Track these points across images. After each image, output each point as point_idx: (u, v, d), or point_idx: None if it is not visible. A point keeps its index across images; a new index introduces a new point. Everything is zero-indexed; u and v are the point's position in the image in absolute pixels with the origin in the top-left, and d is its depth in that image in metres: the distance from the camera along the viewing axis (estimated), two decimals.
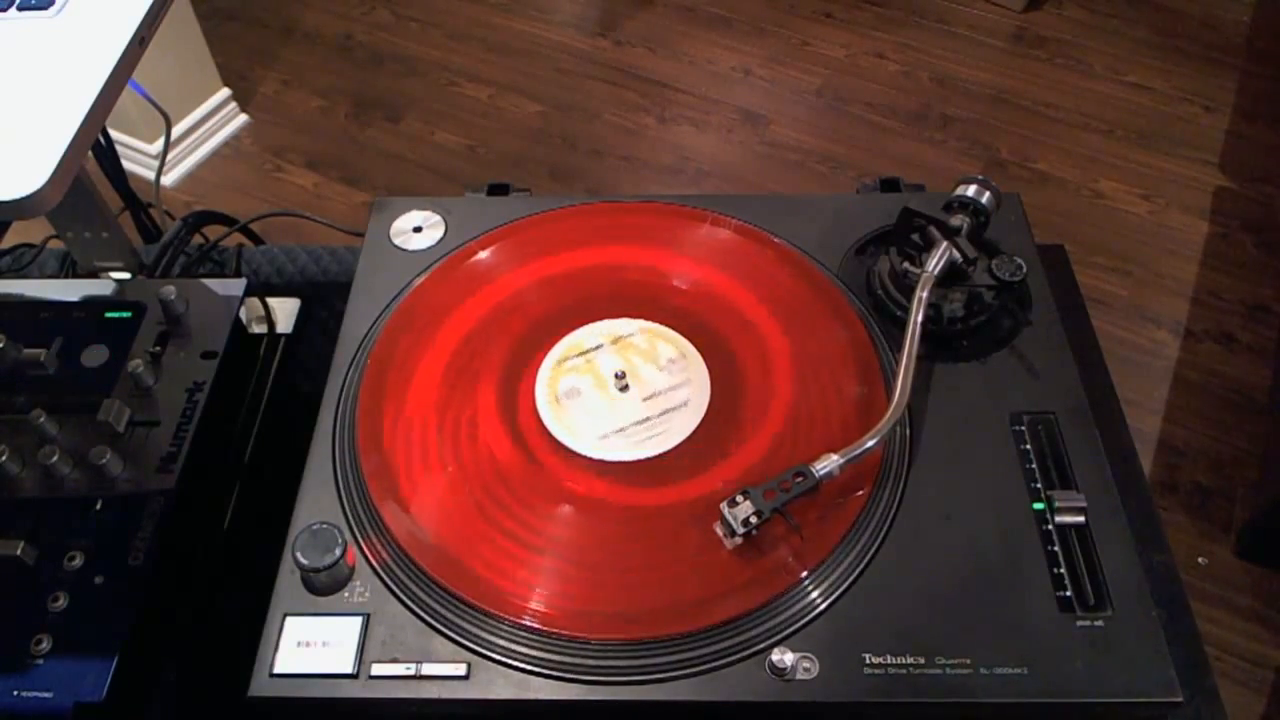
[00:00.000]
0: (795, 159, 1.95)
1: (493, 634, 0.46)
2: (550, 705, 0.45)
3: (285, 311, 0.71)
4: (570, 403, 0.55)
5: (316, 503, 0.51)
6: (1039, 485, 0.51)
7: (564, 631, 0.46)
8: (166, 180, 1.92)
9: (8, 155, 0.47)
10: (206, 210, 0.78)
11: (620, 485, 0.52)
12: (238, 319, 0.62)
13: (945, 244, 0.56)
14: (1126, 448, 0.64)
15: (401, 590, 0.48)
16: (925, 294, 0.54)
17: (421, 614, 0.47)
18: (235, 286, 0.63)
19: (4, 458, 0.53)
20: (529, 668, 0.46)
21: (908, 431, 0.53)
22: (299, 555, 0.46)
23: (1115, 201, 1.87)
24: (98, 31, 0.53)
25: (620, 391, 0.56)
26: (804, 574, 0.48)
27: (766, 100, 2.06)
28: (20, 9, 0.55)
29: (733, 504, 0.48)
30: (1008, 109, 2.04)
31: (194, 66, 1.91)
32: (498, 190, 0.68)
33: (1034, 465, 0.52)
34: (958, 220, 0.58)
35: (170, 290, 0.60)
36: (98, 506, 0.52)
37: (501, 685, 0.45)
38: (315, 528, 0.47)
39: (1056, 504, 0.50)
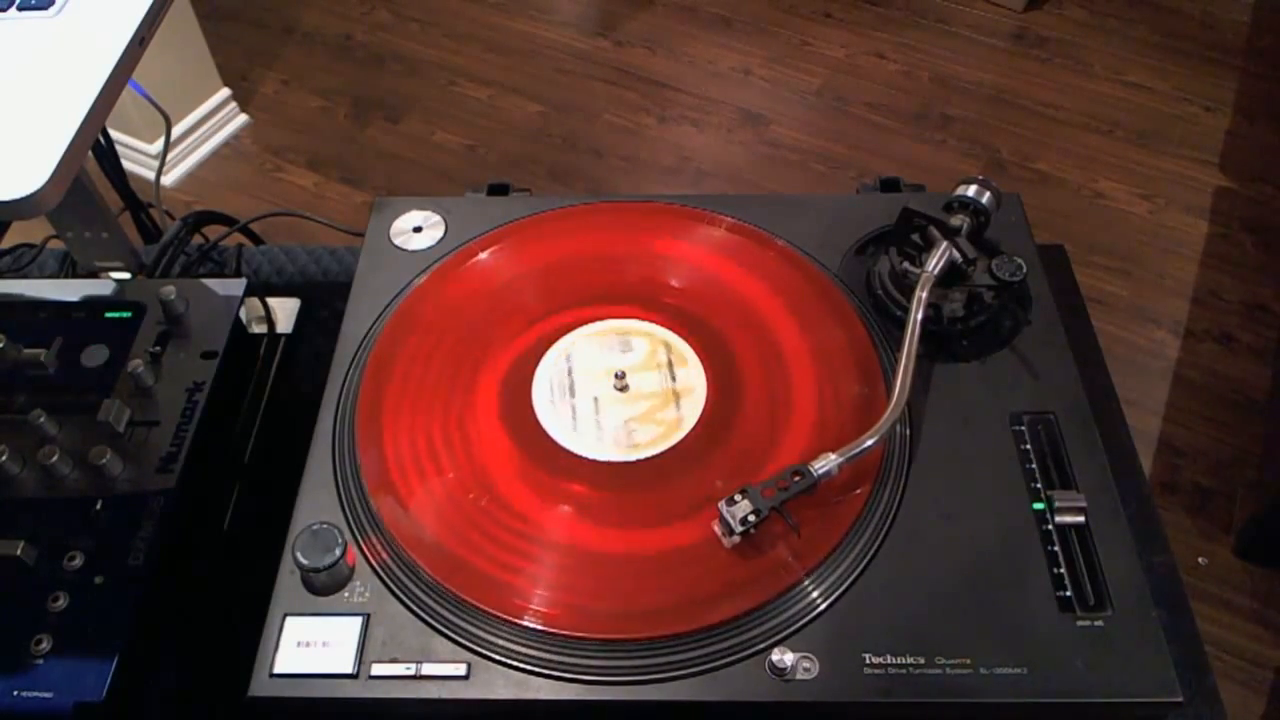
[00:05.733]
0: (795, 159, 1.95)
1: (493, 634, 0.46)
2: (550, 705, 0.45)
3: (285, 311, 0.71)
4: (569, 402, 0.55)
5: (316, 503, 0.51)
6: (1039, 485, 0.51)
7: (564, 631, 0.46)
8: (166, 180, 1.92)
9: (8, 155, 0.47)
10: (206, 210, 0.78)
11: (619, 484, 0.52)
12: (238, 319, 0.62)
13: (945, 244, 0.56)
14: (1126, 448, 0.64)
15: (401, 590, 0.48)
16: (925, 294, 0.54)
17: (421, 614, 0.47)
18: (235, 286, 0.63)
19: (4, 458, 0.53)
20: (529, 668, 0.46)
21: (908, 431, 0.53)
22: (299, 555, 0.46)
23: (1115, 201, 1.87)
24: (98, 31, 0.53)
25: (619, 391, 0.56)
26: (804, 574, 0.48)
27: (766, 100, 2.06)
28: (20, 9, 0.55)
29: (731, 502, 0.48)
30: (1008, 109, 2.04)
31: (194, 66, 1.91)
32: (498, 190, 0.68)
33: (1034, 465, 0.52)
34: (958, 220, 0.58)
35: (170, 290, 0.60)
36: (98, 506, 0.52)
37: (501, 685, 0.45)
38: (315, 528, 0.47)
39: (1056, 504, 0.50)
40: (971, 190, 0.59)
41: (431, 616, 0.47)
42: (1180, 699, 0.44)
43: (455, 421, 0.55)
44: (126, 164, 0.85)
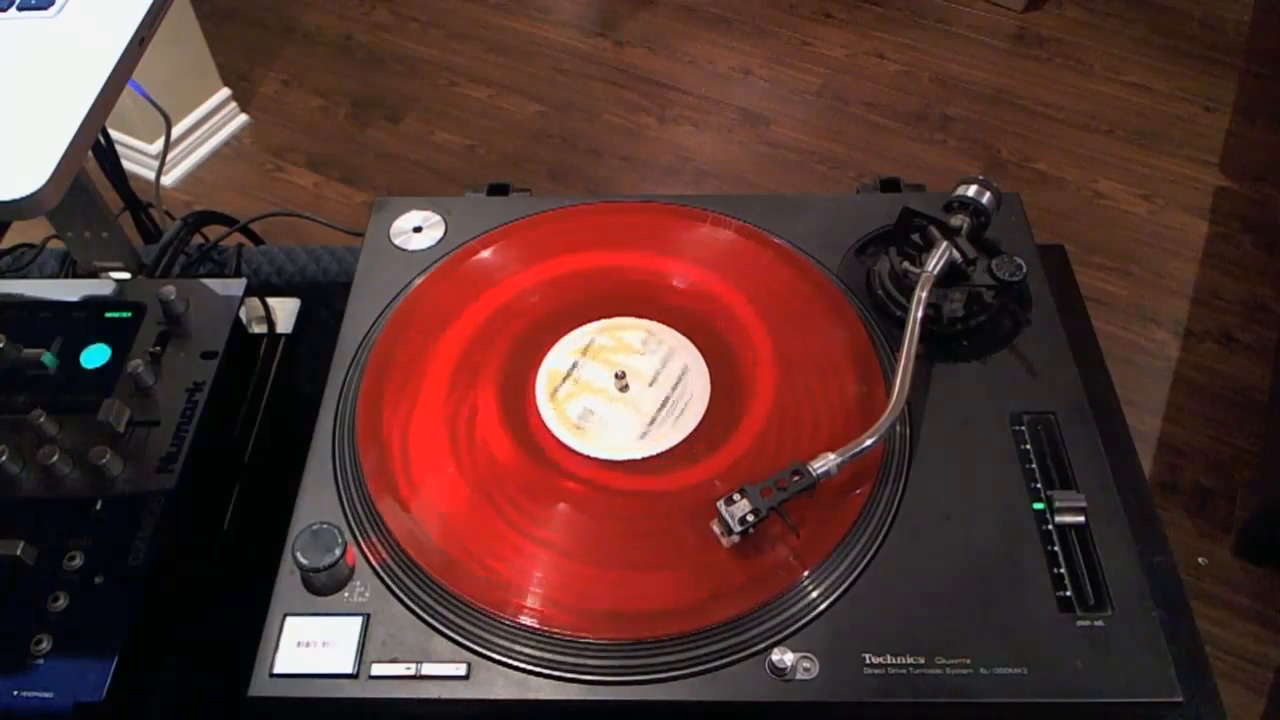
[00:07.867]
0: (795, 159, 1.95)
1: (493, 634, 0.46)
2: (550, 705, 0.45)
3: (285, 311, 0.71)
4: (569, 402, 0.55)
5: (316, 503, 0.51)
6: (1039, 485, 0.51)
7: (564, 631, 0.46)
8: (166, 180, 1.92)
9: (8, 155, 0.47)
10: (206, 210, 0.78)
11: (620, 485, 0.52)
12: (238, 319, 0.62)
13: (945, 244, 0.56)
14: (1126, 448, 0.64)
15: (401, 590, 0.48)
16: (925, 294, 0.54)
17: (421, 614, 0.47)
18: (235, 286, 0.63)
19: (4, 458, 0.53)
20: (529, 668, 0.46)
21: (908, 431, 0.53)
22: (299, 555, 0.46)
23: (1115, 201, 1.87)
24: (98, 31, 0.53)
25: (620, 391, 0.56)
26: (804, 573, 0.48)
27: (766, 100, 2.06)
28: (20, 9, 0.55)
29: (730, 502, 0.48)
30: (1008, 109, 2.04)
31: (194, 66, 1.91)
32: (498, 190, 0.68)
33: (1034, 465, 0.52)
34: (958, 220, 0.58)
35: (170, 290, 0.60)
36: (98, 506, 0.52)
37: (501, 685, 0.45)
38: (315, 528, 0.47)
39: (1056, 504, 0.50)
40: (971, 190, 0.59)
41: (431, 616, 0.47)
42: (1180, 699, 0.44)
43: (455, 421, 0.55)
44: (126, 164, 0.85)
